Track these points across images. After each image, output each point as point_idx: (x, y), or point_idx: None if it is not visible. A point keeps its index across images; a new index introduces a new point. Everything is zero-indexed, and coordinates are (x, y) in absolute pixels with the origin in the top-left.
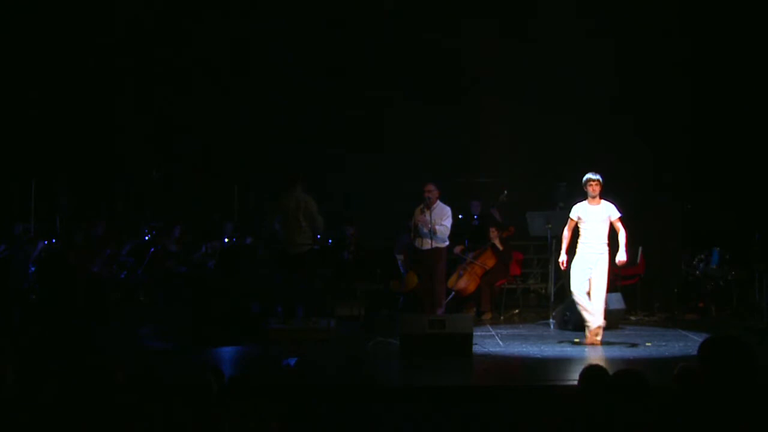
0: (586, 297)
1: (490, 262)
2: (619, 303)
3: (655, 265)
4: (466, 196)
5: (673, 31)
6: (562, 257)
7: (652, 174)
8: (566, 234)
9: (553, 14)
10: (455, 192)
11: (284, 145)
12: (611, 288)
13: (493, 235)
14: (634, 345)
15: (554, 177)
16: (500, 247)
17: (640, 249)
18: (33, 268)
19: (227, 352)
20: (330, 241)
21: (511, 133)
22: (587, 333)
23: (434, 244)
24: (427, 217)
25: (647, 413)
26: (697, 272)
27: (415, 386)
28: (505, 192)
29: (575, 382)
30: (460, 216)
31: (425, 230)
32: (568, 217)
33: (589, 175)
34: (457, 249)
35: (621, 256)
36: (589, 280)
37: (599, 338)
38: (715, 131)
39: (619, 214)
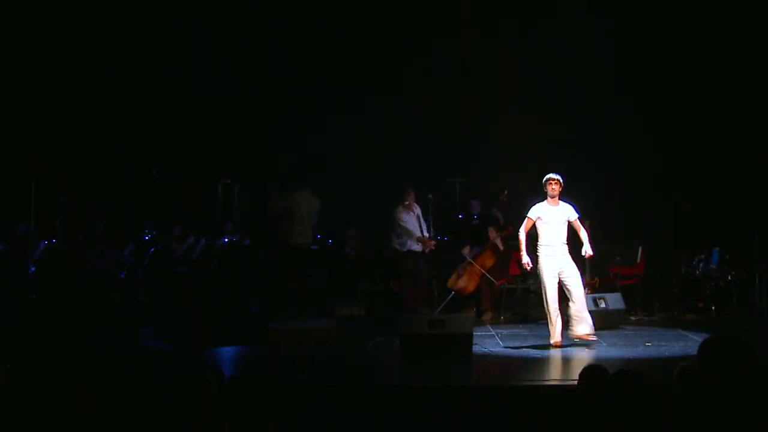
0: (559, 315)
1: (489, 261)
2: (619, 303)
3: (655, 265)
4: (467, 197)
5: (674, 31)
6: (525, 259)
7: (653, 174)
8: (523, 235)
9: (554, 13)
10: (455, 192)
11: (285, 145)
12: (611, 288)
13: (492, 235)
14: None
15: None
16: (501, 247)
17: (640, 249)
18: (33, 268)
19: (227, 352)
20: (330, 241)
21: (511, 132)
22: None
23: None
24: (421, 219)
25: (647, 413)
26: (697, 272)
27: (415, 386)
28: (506, 192)
29: (575, 382)
30: (460, 216)
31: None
32: (525, 216)
33: (549, 175)
34: (465, 250)
35: (587, 250)
36: (561, 283)
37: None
38: (715, 131)
39: (577, 215)
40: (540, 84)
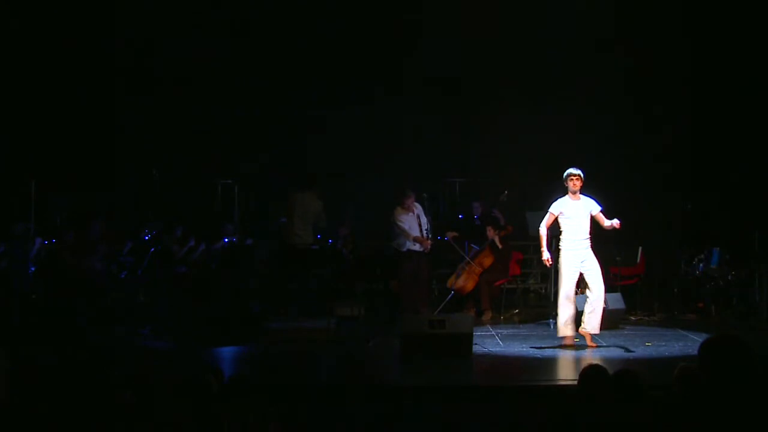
0: (572, 305)
1: (487, 260)
2: (619, 303)
3: (655, 265)
4: (467, 197)
5: (675, 32)
6: (546, 255)
7: (653, 174)
8: (545, 230)
9: (553, 13)
10: (455, 192)
11: (284, 145)
12: (611, 288)
13: (491, 234)
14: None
15: (554, 177)
16: (499, 246)
17: (640, 249)
18: (33, 268)
19: (227, 352)
20: (330, 241)
21: (511, 132)
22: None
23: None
24: (421, 218)
25: (647, 413)
26: (697, 272)
27: (415, 386)
28: (506, 192)
29: (575, 382)
30: (460, 216)
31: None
32: (547, 211)
33: (570, 170)
34: (450, 234)
35: (615, 222)
36: (581, 275)
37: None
38: (715, 131)
39: (600, 208)
40: (540, 84)
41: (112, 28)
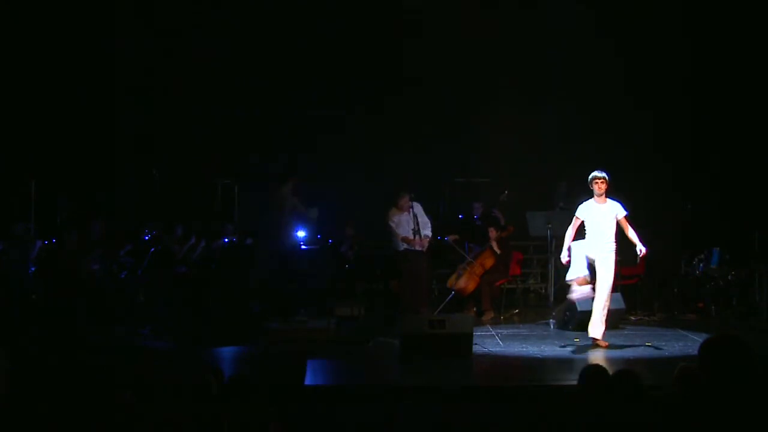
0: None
1: (489, 261)
2: (619, 303)
3: (655, 265)
4: (467, 197)
5: (675, 34)
6: (564, 257)
7: (653, 174)
8: (570, 233)
9: (552, 12)
10: (456, 193)
11: (284, 145)
12: (611, 288)
13: (492, 234)
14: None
15: (554, 177)
16: (497, 250)
17: None
18: (33, 268)
19: (227, 352)
20: (330, 241)
21: (511, 133)
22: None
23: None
24: (419, 218)
25: (647, 413)
26: (697, 272)
27: (414, 386)
28: (506, 192)
29: (575, 382)
30: (460, 216)
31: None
32: (573, 215)
33: (594, 173)
34: (451, 238)
35: (641, 249)
36: (587, 278)
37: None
38: (715, 131)
39: (625, 212)
40: (540, 84)
41: (113, 28)
